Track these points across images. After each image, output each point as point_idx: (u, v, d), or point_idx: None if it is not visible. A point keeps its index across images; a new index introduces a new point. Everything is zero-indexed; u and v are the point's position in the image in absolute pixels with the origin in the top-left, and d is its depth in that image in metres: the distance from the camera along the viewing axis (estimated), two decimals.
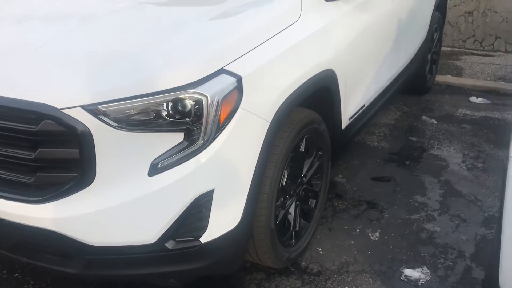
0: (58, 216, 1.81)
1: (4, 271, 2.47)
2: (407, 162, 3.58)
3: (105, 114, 1.71)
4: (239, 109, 1.85)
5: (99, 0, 2.51)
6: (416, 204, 3.05)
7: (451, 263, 2.53)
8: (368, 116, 3.23)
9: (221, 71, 1.84)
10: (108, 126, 1.71)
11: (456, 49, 6.46)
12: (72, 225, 1.82)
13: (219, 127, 1.80)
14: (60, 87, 1.74)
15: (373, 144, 3.87)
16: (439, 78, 5.29)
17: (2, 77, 1.84)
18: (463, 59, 6.07)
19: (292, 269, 2.49)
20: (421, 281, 2.41)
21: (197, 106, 1.76)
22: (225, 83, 1.82)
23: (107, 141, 1.73)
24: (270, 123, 1.98)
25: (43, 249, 1.96)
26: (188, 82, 1.76)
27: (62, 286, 2.36)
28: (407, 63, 3.91)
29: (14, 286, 2.38)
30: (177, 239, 1.87)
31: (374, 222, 2.88)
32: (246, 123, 1.89)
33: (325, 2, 2.54)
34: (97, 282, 2.32)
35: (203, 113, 1.76)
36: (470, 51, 6.38)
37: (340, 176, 3.39)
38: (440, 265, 2.52)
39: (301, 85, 2.17)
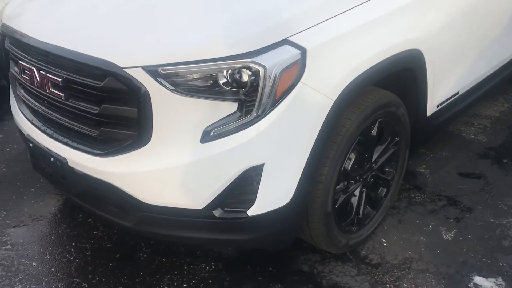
0: (117, 171, 1.89)
1: (80, 215, 2.68)
2: (505, 161, 3.21)
3: (164, 76, 1.72)
4: (299, 83, 1.76)
5: None
6: (505, 208, 2.74)
7: None
8: (462, 105, 2.93)
9: (285, 41, 1.75)
10: (165, 89, 1.72)
11: None
12: (128, 181, 1.89)
13: (275, 101, 1.74)
14: (124, 46, 1.79)
15: (468, 136, 3.52)
16: None
17: (78, 33, 1.93)
18: None
19: (350, 257, 2.38)
20: None
21: (253, 77, 1.70)
22: (287, 54, 1.74)
23: (163, 103, 1.75)
24: (334, 101, 1.86)
25: (105, 200, 2.07)
26: (248, 51, 1.71)
27: (127, 236, 2.50)
28: None
29: (86, 230, 2.57)
30: (225, 208, 1.86)
31: (451, 220, 2.64)
32: (306, 100, 1.79)
33: None
34: (151, 239, 2.41)
35: (259, 84, 1.70)
36: None
37: (424, 167, 3.14)
38: None
39: (376, 64, 2.00)
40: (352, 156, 2.17)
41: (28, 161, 3.18)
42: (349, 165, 2.16)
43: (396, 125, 2.34)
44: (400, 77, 2.26)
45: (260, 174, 1.79)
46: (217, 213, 1.86)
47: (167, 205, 1.89)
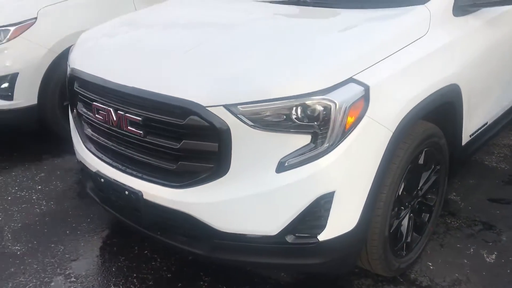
0: (193, 201, 2.04)
1: (136, 247, 2.79)
2: None
3: (243, 113, 1.90)
4: (365, 117, 1.94)
5: (233, 11, 2.75)
6: None
7: None
8: (490, 134, 3.13)
9: (350, 80, 1.95)
10: (245, 125, 1.90)
11: None
12: (204, 210, 2.04)
13: (344, 133, 1.91)
14: (205, 87, 1.97)
15: (491, 164, 3.71)
16: None
17: (157, 76, 2.11)
18: None
19: (401, 280, 2.51)
20: None
21: (325, 112, 1.88)
22: (353, 91, 1.93)
23: (243, 138, 1.92)
24: (393, 133, 2.05)
25: (176, 230, 2.21)
26: (318, 89, 1.90)
27: (185, 266, 2.62)
28: None
29: (144, 261, 2.68)
30: (296, 234, 2.01)
31: (490, 244, 2.78)
32: (370, 131, 1.98)
33: (454, 18, 2.53)
34: (220, 265, 2.53)
35: (331, 118, 1.88)
36: None
37: (454, 194, 3.31)
38: None
39: (425, 98, 2.20)
40: (402, 183, 2.34)
41: (74, 198, 3.35)
42: (401, 192, 2.32)
43: (438, 154, 2.52)
44: (441, 110, 2.45)
45: (330, 201, 1.95)
46: (289, 238, 2.00)
47: (241, 232, 2.03)
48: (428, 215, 2.67)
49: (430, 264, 2.63)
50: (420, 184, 2.50)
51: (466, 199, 3.25)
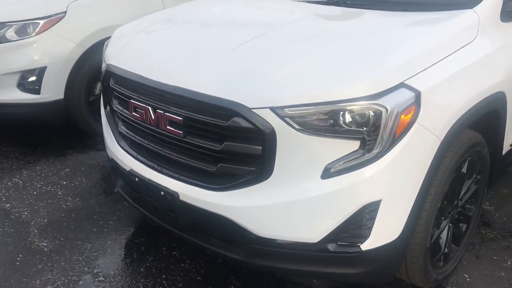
0: (232, 205, 1.98)
1: (164, 248, 2.74)
2: None
3: (290, 116, 1.83)
4: (415, 123, 1.87)
5: (273, 10, 2.69)
6: None
7: None
8: None
9: (401, 85, 1.88)
10: (291, 128, 1.83)
11: None
12: (244, 214, 1.98)
13: (394, 140, 1.84)
14: (251, 88, 1.91)
15: None
16: None
17: (199, 75, 2.06)
18: None
19: None
20: None
21: (375, 117, 1.82)
22: (404, 97, 1.86)
23: (288, 141, 1.85)
24: (442, 141, 1.98)
25: (211, 233, 2.15)
26: (368, 94, 1.83)
27: (214, 268, 2.56)
28: None
29: (173, 263, 2.63)
30: (338, 243, 1.94)
31: None
32: (420, 139, 1.90)
33: (502, 23, 2.45)
34: (250, 269, 2.47)
35: (381, 124, 1.81)
36: None
37: (488, 204, 3.22)
38: None
39: (474, 105, 2.13)
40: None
41: (100, 194, 3.31)
42: (442, 201, 2.25)
43: (480, 164, 2.44)
44: (486, 118, 2.37)
45: (376, 210, 1.88)
46: (331, 247, 1.94)
47: (281, 238, 1.97)
48: (465, 225, 2.59)
49: (466, 276, 2.55)
50: (461, 194, 2.42)
51: (501, 209, 3.16)
